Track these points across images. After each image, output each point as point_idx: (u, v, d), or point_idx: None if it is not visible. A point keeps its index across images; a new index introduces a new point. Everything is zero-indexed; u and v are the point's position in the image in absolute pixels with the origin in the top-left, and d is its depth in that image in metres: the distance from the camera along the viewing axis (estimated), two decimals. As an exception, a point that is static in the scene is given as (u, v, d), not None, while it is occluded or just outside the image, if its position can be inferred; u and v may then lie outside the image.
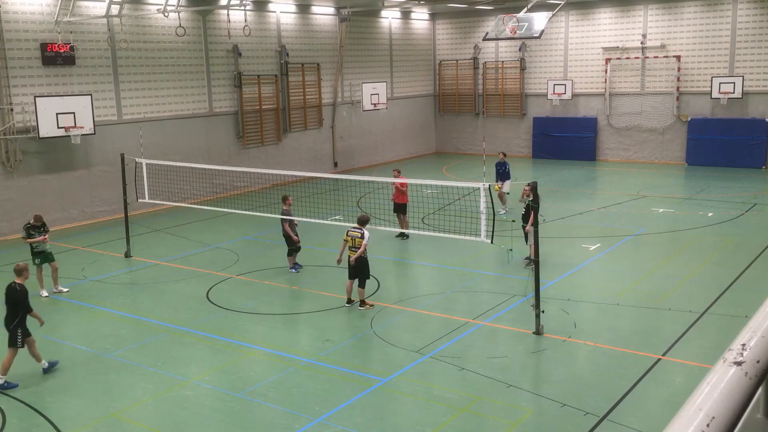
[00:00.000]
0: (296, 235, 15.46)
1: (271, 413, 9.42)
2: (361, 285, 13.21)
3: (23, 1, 19.63)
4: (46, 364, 10.75)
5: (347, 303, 13.39)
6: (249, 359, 11.27)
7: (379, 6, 30.95)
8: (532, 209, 14.57)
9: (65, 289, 14.71)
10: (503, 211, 20.07)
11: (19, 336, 10.36)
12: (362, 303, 13.23)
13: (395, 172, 18.63)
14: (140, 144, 19.19)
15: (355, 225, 13.28)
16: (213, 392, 10.08)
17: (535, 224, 12.10)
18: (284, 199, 15.58)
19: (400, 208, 18.27)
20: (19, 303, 10.37)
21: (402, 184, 17.93)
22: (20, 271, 10.65)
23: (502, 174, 20.98)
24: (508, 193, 20.90)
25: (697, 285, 14.31)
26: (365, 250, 13.05)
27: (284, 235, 15.57)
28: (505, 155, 21.53)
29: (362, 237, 13.03)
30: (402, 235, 18.42)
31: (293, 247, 15.56)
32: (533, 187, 14.29)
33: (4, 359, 10.38)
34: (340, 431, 8.86)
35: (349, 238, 13.17)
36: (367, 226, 13.38)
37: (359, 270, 13.15)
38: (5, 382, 10.35)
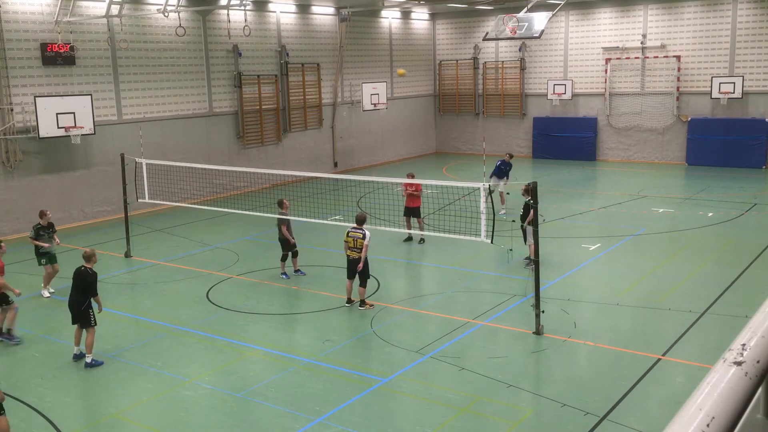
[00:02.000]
0: (293, 237, 15.28)
1: (271, 413, 9.42)
2: (363, 285, 13.19)
3: (23, 1, 19.64)
4: (78, 352, 11.26)
5: (347, 303, 13.38)
6: (249, 359, 11.27)
7: (379, 6, 30.95)
8: (531, 208, 14.73)
9: (52, 290, 14.66)
10: (503, 211, 20.04)
11: (91, 316, 11.14)
12: (362, 303, 13.22)
13: (409, 175, 18.10)
14: (140, 144, 19.19)
15: (355, 225, 13.23)
16: (213, 392, 10.08)
17: (535, 224, 12.08)
18: (281, 203, 15.19)
19: (412, 212, 18.00)
20: (89, 285, 11.06)
21: (412, 187, 17.67)
22: (90, 257, 11.31)
23: (501, 172, 20.77)
24: (508, 194, 20.86)
25: (697, 285, 14.32)
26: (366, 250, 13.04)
27: (281, 240, 15.25)
28: (511, 156, 21.37)
29: (364, 237, 12.97)
30: (421, 240, 18.06)
31: (289, 251, 15.34)
32: (532, 188, 14.50)
33: (86, 340, 11.05)
34: (340, 431, 8.86)
35: (350, 239, 13.09)
36: (366, 225, 13.35)
37: (360, 269, 13.12)
38: (92, 360, 11.06)
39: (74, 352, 11.30)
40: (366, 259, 13.09)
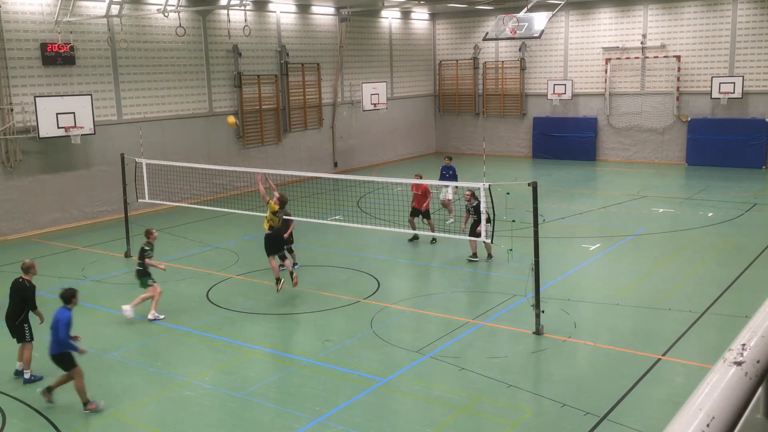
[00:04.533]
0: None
1: (271, 413, 9.42)
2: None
3: (23, 1, 19.64)
4: (28, 375, 10.58)
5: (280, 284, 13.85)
6: (249, 359, 11.27)
7: (379, 6, 30.95)
8: (474, 212, 15.69)
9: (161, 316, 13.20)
10: (452, 220, 19.76)
11: (27, 330, 10.55)
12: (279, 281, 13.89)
13: (417, 176, 17.76)
14: (140, 144, 19.18)
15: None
16: (213, 392, 10.08)
17: (535, 224, 12.05)
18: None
19: (419, 213, 17.71)
20: (27, 299, 10.49)
21: (420, 189, 17.48)
22: (28, 268, 10.67)
23: (449, 179, 19.70)
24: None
25: (697, 285, 14.31)
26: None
27: (289, 238, 15.53)
28: (450, 159, 20.46)
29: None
30: (416, 238, 18.00)
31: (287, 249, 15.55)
32: (472, 193, 15.21)
33: (24, 356, 10.54)
34: (340, 431, 8.87)
35: (276, 218, 13.85)
36: (367, 226, 13.47)
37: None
38: (31, 375, 10.55)
39: (16, 367, 10.66)
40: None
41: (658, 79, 30.11)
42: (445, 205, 19.98)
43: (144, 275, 13.11)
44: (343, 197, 22.78)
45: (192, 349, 11.76)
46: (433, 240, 17.91)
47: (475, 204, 15.85)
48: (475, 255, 16.21)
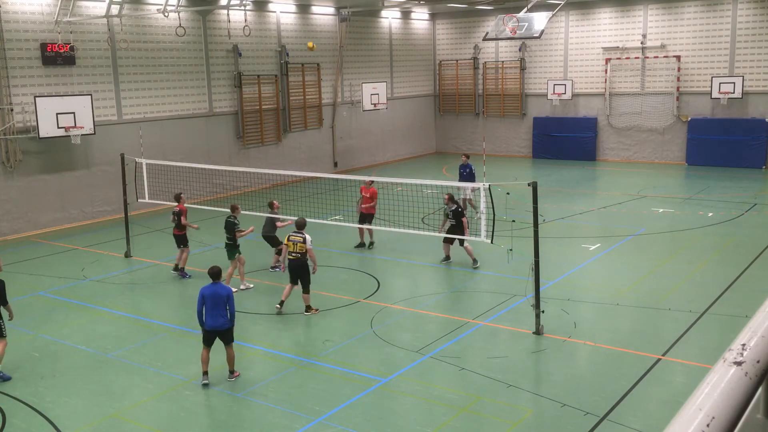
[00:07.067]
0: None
1: (271, 413, 9.42)
2: (306, 291, 13.01)
3: (23, 1, 19.64)
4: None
5: (279, 305, 13.11)
6: (249, 359, 11.26)
7: (379, 6, 30.95)
8: (453, 216, 15.64)
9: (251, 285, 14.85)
10: (479, 215, 19.70)
11: (2, 326, 10.52)
12: (308, 308, 13.07)
13: (464, 157, 18.12)
14: (140, 144, 19.18)
15: (295, 230, 13.04)
16: (213, 392, 10.08)
17: (535, 224, 12.05)
18: (271, 204, 15.84)
19: (368, 219, 17.39)
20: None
21: (369, 192, 17.20)
22: None
23: (467, 177, 19.96)
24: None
25: (697, 285, 14.31)
26: (313, 254, 12.97)
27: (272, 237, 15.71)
28: (468, 157, 20.52)
29: (305, 241, 12.83)
30: (364, 246, 17.79)
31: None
32: (451, 197, 15.18)
33: None
34: (340, 431, 8.87)
35: (290, 243, 12.91)
36: (367, 226, 13.39)
37: (301, 274, 12.94)
38: (1, 373, 10.52)
39: None
40: (307, 264, 12.93)
41: (658, 79, 30.11)
42: (470, 203, 20.00)
43: (234, 248, 14.41)
44: (343, 197, 22.78)
45: (192, 349, 11.73)
46: (371, 244, 17.74)
47: (453, 208, 15.67)
48: (447, 258, 16.19)
